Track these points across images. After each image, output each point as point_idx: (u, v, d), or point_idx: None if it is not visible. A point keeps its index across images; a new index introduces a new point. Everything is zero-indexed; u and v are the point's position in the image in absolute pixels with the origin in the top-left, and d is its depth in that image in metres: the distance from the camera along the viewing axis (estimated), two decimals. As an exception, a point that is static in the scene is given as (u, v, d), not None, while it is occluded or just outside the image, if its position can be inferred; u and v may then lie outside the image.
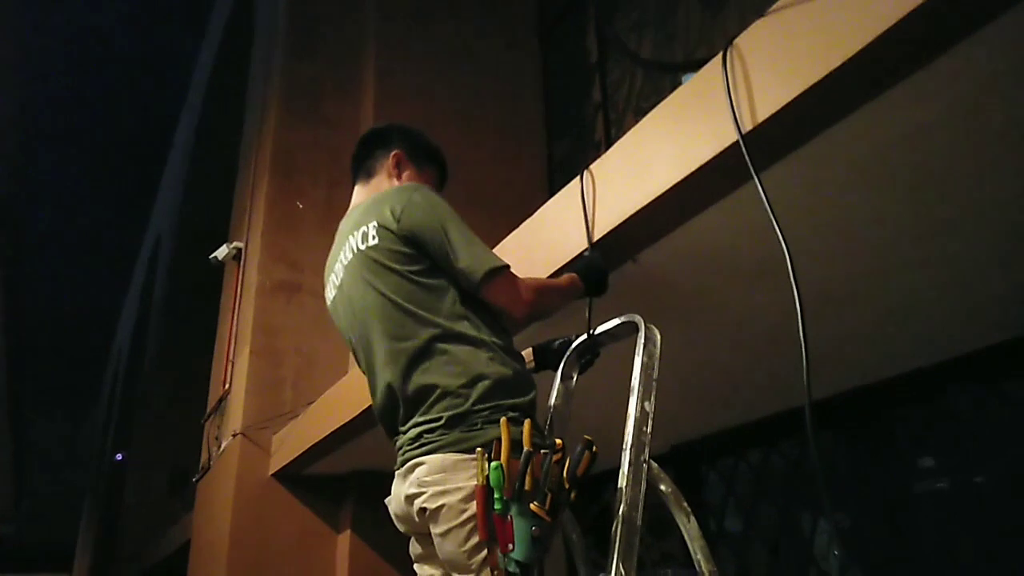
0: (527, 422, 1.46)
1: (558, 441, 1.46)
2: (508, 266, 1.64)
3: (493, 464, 1.41)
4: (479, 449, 1.46)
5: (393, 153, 1.89)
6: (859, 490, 3.00)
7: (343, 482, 4.38)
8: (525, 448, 1.42)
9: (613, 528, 1.48)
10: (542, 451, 1.44)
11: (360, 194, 1.92)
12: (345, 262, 1.77)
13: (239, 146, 6.48)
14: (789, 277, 1.45)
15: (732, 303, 2.30)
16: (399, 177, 1.87)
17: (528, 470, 1.39)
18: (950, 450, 2.80)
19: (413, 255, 1.64)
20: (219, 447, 4.87)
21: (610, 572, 1.44)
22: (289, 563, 4.22)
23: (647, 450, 1.58)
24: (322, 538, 4.34)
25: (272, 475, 4.38)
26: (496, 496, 1.41)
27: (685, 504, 1.61)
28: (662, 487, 1.60)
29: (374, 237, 1.68)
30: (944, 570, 2.71)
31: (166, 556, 7.95)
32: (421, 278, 1.63)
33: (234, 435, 4.50)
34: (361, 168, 1.93)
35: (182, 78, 12.68)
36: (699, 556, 1.59)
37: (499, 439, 1.45)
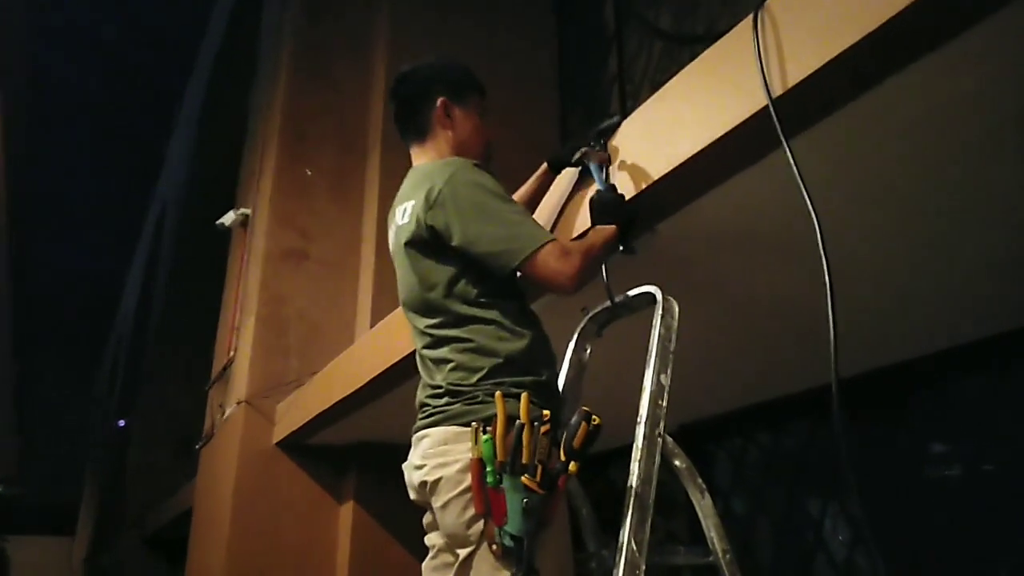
0: (524, 395, 1.47)
1: (545, 412, 1.46)
2: (540, 247, 1.56)
3: (484, 437, 1.43)
4: (474, 423, 1.47)
5: (439, 102, 1.83)
6: (870, 474, 2.96)
7: (347, 453, 4.36)
8: (518, 421, 1.43)
9: (625, 503, 1.45)
10: (534, 423, 1.44)
11: (419, 155, 1.88)
12: (395, 228, 1.80)
13: (248, 111, 6.41)
14: (816, 250, 1.42)
15: (748, 279, 2.25)
16: (452, 127, 1.84)
17: (521, 443, 1.40)
18: (964, 436, 2.76)
19: (434, 242, 1.65)
20: (223, 415, 4.85)
21: (621, 547, 1.41)
22: (291, 532, 4.21)
23: (662, 424, 1.54)
24: (325, 508, 4.33)
25: (276, 444, 4.36)
26: (489, 469, 1.42)
27: (700, 481, 1.57)
28: (676, 462, 1.56)
29: (409, 217, 1.71)
30: (955, 557, 2.67)
31: (168, 522, 8.00)
32: (442, 264, 1.65)
33: (238, 403, 4.48)
34: (411, 130, 1.88)
35: (192, 40, 12.56)
36: (712, 534, 1.56)
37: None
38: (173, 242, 10.87)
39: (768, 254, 2.07)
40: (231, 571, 4.08)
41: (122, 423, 12.37)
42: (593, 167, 1.88)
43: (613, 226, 1.72)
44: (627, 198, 1.78)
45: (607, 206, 1.76)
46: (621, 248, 1.76)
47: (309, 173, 4.87)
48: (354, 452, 4.33)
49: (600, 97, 4.75)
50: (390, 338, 3.07)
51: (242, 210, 5.25)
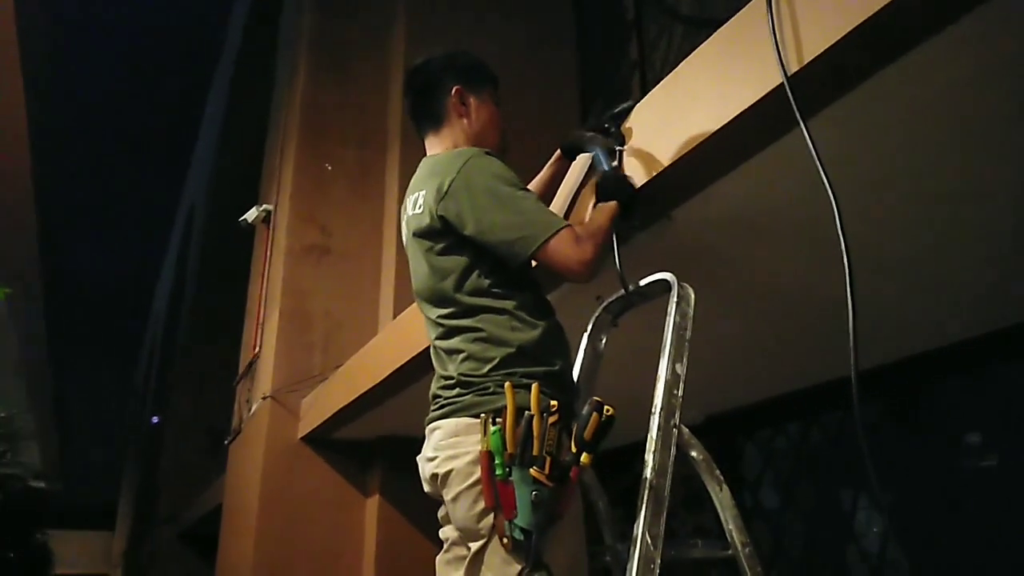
0: (534, 386, 1.43)
1: (553, 403, 1.42)
2: (553, 234, 1.52)
3: (493, 429, 1.40)
4: (483, 415, 1.44)
5: (454, 90, 1.81)
6: (904, 465, 2.88)
7: (371, 447, 4.37)
8: (528, 412, 1.40)
9: (639, 495, 1.41)
10: (543, 414, 1.41)
11: (434, 145, 1.84)
12: (407, 218, 1.78)
13: (270, 108, 6.44)
14: (836, 233, 1.36)
15: (771, 266, 2.19)
16: (467, 115, 1.81)
17: (531, 434, 1.38)
18: (999, 425, 2.67)
19: (446, 232, 1.63)
20: (250, 410, 4.89)
21: (635, 541, 1.37)
22: (318, 526, 4.23)
23: (678, 414, 1.50)
24: (351, 502, 4.34)
25: (301, 439, 4.38)
26: (497, 461, 1.39)
27: (718, 472, 1.53)
28: (693, 453, 1.51)
29: (421, 207, 1.68)
30: (990, 549, 2.59)
31: (201, 517, 8.10)
32: (454, 254, 1.63)
33: (264, 398, 4.51)
34: (426, 120, 1.85)
35: (215, 42, 12.68)
36: (731, 526, 1.52)
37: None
38: (201, 240, 11.00)
39: (790, 239, 2.01)
40: (259, 565, 4.11)
41: (156, 420, 12.57)
42: (599, 151, 1.84)
43: (614, 203, 1.68)
44: (641, 182, 1.74)
45: (608, 184, 1.73)
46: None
47: (329, 168, 4.87)
48: (379, 446, 4.33)
49: (621, 84, 4.69)
50: (411, 331, 3.06)
51: (264, 206, 5.28)
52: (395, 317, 4.19)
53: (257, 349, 4.96)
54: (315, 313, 4.63)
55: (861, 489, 3.09)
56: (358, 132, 5.04)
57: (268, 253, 5.09)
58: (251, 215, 5.27)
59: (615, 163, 1.83)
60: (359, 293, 4.71)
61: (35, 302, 7.79)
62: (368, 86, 5.14)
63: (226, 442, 5.57)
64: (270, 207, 5.26)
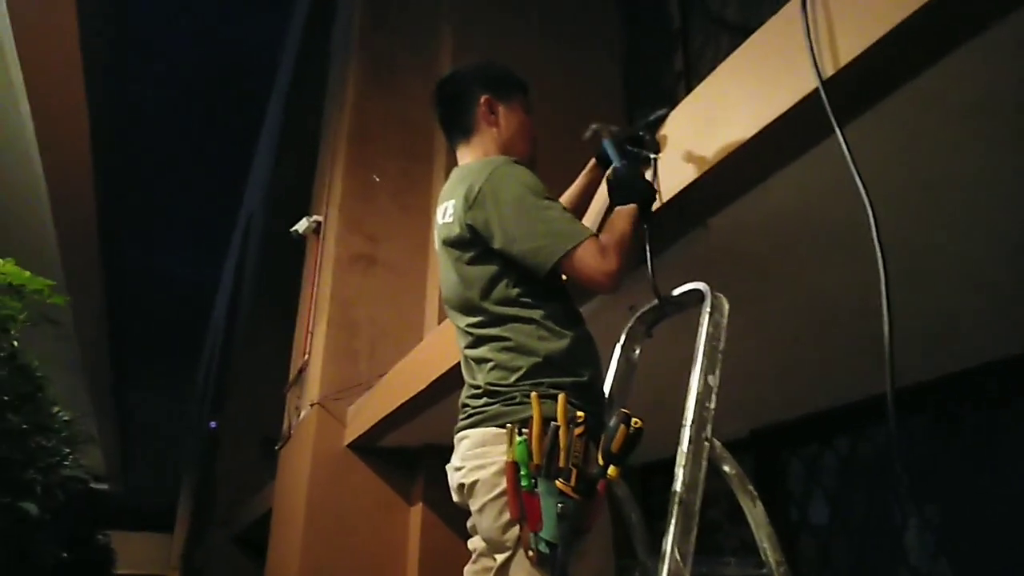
0: (561, 396, 1.42)
1: (580, 414, 1.40)
2: (577, 244, 1.51)
3: (519, 439, 1.39)
4: (509, 425, 1.43)
5: (483, 100, 1.81)
6: (958, 483, 2.77)
7: (416, 455, 4.39)
8: (553, 423, 1.38)
9: (669, 511, 1.38)
10: (570, 425, 1.39)
11: (464, 155, 1.85)
12: (437, 227, 1.80)
13: (321, 121, 6.56)
14: (873, 243, 1.31)
15: (814, 275, 2.13)
16: (496, 124, 1.82)
17: (557, 445, 1.36)
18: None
19: (475, 241, 1.63)
20: (299, 417, 4.96)
21: (664, 557, 1.34)
22: (362, 533, 4.27)
23: (709, 427, 1.46)
24: (395, 509, 4.37)
25: (347, 446, 4.43)
26: (523, 472, 1.38)
27: (751, 487, 1.49)
28: (726, 468, 1.48)
29: (451, 216, 1.69)
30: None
31: (253, 521, 8.24)
32: (482, 263, 1.63)
33: (311, 405, 4.57)
34: (456, 130, 1.86)
35: (275, 51, 13.02)
36: (765, 544, 1.47)
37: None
38: (258, 249, 11.23)
39: (831, 248, 1.95)
40: (305, 569, 4.16)
41: (214, 425, 12.86)
42: (607, 143, 1.82)
43: (633, 206, 1.65)
44: (676, 190, 1.72)
45: (624, 184, 1.71)
46: (645, 226, 1.71)
47: (376, 179, 4.93)
48: (422, 454, 4.35)
49: (666, 94, 4.63)
50: (453, 339, 3.06)
51: (315, 217, 5.37)
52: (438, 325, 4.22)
53: (306, 357, 5.04)
54: (362, 321, 4.69)
55: (910, 504, 2.98)
56: (404, 144, 5.10)
57: (317, 263, 5.18)
58: (302, 225, 5.37)
59: (646, 167, 1.81)
60: (404, 302, 4.75)
61: (97, 309, 8.06)
62: (414, 98, 5.19)
63: (276, 448, 5.67)
64: (320, 218, 5.35)
